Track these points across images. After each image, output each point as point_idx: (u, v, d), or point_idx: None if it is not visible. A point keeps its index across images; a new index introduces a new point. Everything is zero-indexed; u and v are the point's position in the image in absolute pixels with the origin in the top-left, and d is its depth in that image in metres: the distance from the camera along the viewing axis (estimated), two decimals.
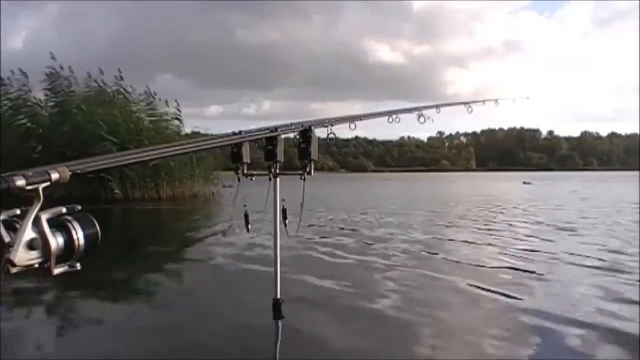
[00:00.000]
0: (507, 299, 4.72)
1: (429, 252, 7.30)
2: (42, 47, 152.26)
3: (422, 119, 2.33)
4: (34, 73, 21.23)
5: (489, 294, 4.92)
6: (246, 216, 2.39)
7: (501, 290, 4.97)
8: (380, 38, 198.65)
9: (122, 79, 21.56)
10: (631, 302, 4.56)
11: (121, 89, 21.53)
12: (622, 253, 7.04)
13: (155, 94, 21.96)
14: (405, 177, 61.41)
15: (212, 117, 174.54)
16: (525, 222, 11.38)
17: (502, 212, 13.89)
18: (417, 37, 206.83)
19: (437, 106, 2.48)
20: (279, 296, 2.35)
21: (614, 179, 46.55)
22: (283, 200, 2.30)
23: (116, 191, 18.06)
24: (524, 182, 36.99)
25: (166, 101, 22.00)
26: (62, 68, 21.14)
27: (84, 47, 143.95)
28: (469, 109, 2.60)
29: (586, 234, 9.26)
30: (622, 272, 5.79)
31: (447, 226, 10.86)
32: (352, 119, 2.27)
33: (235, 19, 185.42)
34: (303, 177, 2.21)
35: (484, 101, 2.77)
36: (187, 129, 22.73)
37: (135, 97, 21.80)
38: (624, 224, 10.67)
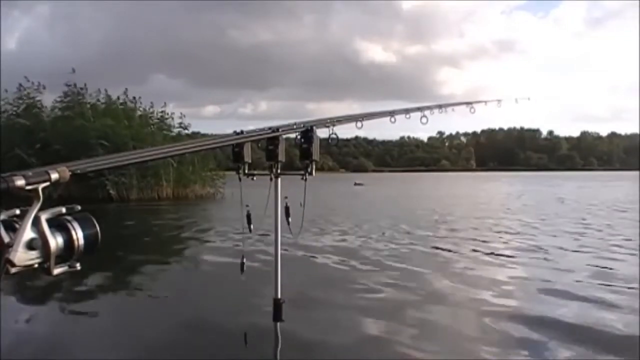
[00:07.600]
0: None
1: None
2: (35, 47, 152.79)
3: (424, 120, 2.31)
4: (27, 73, 21.73)
5: None
6: (248, 216, 2.39)
7: None
8: (373, 38, 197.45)
9: (125, 99, 22.37)
10: None
11: (119, 103, 22.30)
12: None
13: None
14: (402, 178, 60.62)
15: (209, 117, 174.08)
16: None
17: None
18: (409, 37, 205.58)
19: (440, 106, 2.47)
20: (279, 296, 2.35)
21: (573, 179, 45.92)
22: (286, 197, 2.29)
23: (111, 192, 18.20)
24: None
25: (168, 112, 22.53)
26: (80, 87, 21.61)
27: (77, 47, 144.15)
28: (472, 110, 2.59)
29: None
30: None
31: None
32: (354, 118, 2.25)
33: (227, 19, 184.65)
34: (304, 178, 2.20)
35: (486, 102, 2.76)
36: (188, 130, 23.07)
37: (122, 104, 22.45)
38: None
